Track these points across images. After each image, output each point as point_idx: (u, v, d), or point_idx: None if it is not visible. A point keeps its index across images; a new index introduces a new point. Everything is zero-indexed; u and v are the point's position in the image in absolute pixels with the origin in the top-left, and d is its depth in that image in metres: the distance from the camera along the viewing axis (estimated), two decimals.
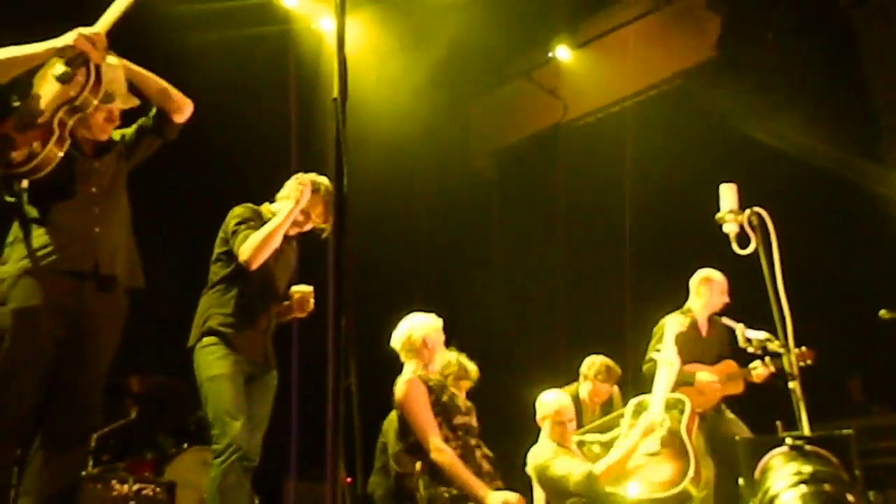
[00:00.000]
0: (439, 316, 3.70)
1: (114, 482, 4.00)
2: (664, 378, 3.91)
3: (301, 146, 5.91)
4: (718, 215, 3.37)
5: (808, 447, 2.63)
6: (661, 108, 6.87)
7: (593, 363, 4.90)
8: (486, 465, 3.41)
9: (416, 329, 3.58)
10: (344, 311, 1.91)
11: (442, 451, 3.29)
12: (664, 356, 3.98)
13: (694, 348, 4.62)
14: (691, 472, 3.63)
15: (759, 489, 2.56)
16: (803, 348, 4.36)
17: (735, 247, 3.32)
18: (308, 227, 3.43)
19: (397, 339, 3.60)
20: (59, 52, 2.52)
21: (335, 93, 2.09)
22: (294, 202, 3.27)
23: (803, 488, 2.46)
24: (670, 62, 6.97)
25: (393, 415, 4.37)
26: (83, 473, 3.89)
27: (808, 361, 4.33)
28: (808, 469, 2.52)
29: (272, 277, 3.35)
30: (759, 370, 4.52)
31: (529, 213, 7.75)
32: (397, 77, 6.78)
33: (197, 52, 5.21)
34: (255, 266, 3.20)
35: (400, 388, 3.45)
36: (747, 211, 3.33)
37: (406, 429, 3.43)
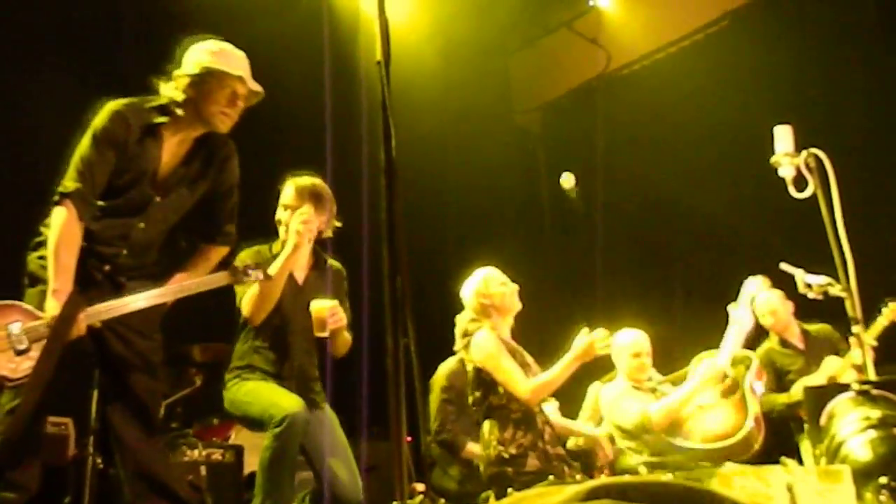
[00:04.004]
0: None
1: (184, 448, 4.14)
2: (733, 335, 3.81)
3: (335, 107, 5.85)
4: (774, 158, 3.29)
5: (874, 391, 2.58)
6: (709, 52, 6.65)
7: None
8: (548, 430, 3.40)
9: (470, 292, 3.56)
10: (398, 271, 1.92)
11: (532, 392, 3.29)
12: (736, 313, 3.86)
13: (796, 363, 4.64)
14: (749, 426, 3.58)
15: (826, 435, 2.53)
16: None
17: (792, 190, 3.24)
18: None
19: (465, 306, 3.59)
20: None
21: (378, 55, 2.07)
22: (292, 247, 3.05)
23: (872, 433, 2.42)
24: (716, 2, 6.73)
25: (440, 372, 4.41)
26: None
27: None
28: (876, 414, 2.48)
29: (294, 311, 3.17)
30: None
31: (577, 167, 7.64)
32: (436, 35, 6.69)
33: (229, 8, 5.16)
34: (258, 322, 3.11)
35: (474, 347, 3.43)
36: (804, 153, 3.24)
37: (477, 384, 3.44)
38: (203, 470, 4.12)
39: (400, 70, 2.09)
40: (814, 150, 3.23)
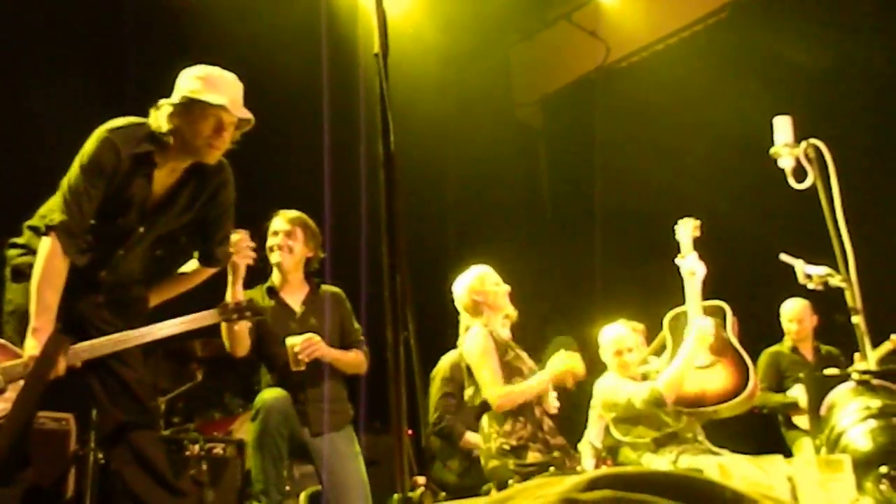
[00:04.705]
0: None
1: (186, 442, 4.14)
2: (691, 286, 3.80)
3: (333, 101, 5.82)
4: (773, 149, 3.28)
5: (874, 381, 2.58)
6: (709, 44, 6.63)
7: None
8: (546, 421, 3.40)
9: (463, 289, 3.56)
10: (398, 266, 1.92)
11: (500, 398, 3.31)
12: (685, 264, 3.87)
13: (800, 371, 4.84)
14: (753, 379, 3.61)
15: (826, 426, 2.53)
16: None
17: (791, 181, 3.23)
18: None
19: (456, 302, 3.60)
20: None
21: (375, 48, 2.07)
22: (234, 278, 2.95)
23: (872, 423, 2.42)
24: None
25: (442, 364, 4.42)
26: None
27: None
28: (876, 403, 2.48)
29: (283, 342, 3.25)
30: None
31: (577, 160, 7.63)
32: (434, 27, 6.66)
33: (228, 1, 5.11)
34: (239, 355, 3.20)
35: (465, 344, 3.45)
36: (803, 143, 3.24)
37: (471, 379, 3.46)
38: (204, 464, 4.12)
39: (398, 63, 2.08)
40: (813, 141, 3.22)
